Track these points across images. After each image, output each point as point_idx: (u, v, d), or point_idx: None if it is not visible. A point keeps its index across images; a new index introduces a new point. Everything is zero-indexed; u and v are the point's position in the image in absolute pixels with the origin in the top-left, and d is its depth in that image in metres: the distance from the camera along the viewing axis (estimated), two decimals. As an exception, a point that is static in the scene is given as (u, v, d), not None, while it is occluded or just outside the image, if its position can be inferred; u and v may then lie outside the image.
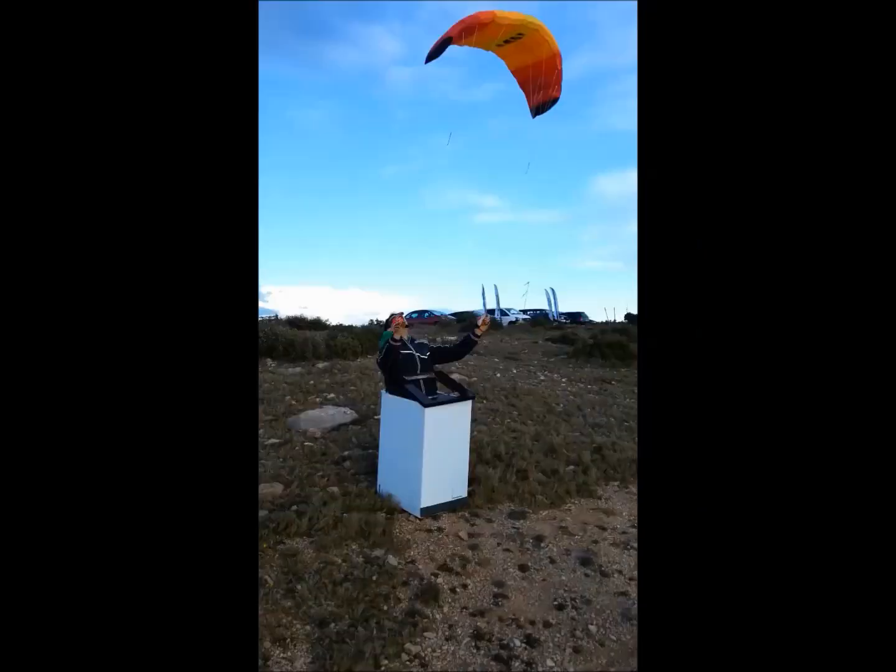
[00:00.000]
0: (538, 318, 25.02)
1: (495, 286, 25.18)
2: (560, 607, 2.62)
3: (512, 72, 3.84)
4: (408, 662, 2.18)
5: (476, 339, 4.00)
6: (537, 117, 3.83)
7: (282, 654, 2.18)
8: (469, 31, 3.40)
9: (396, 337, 3.65)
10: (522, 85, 3.80)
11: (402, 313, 3.94)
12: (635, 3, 1.35)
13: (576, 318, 27.28)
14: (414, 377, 3.75)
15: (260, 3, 1.49)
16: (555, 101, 3.77)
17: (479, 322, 3.93)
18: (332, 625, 2.35)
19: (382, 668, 2.13)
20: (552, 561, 3.08)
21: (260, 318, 12.10)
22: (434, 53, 3.52)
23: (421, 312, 25.56)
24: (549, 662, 2.23)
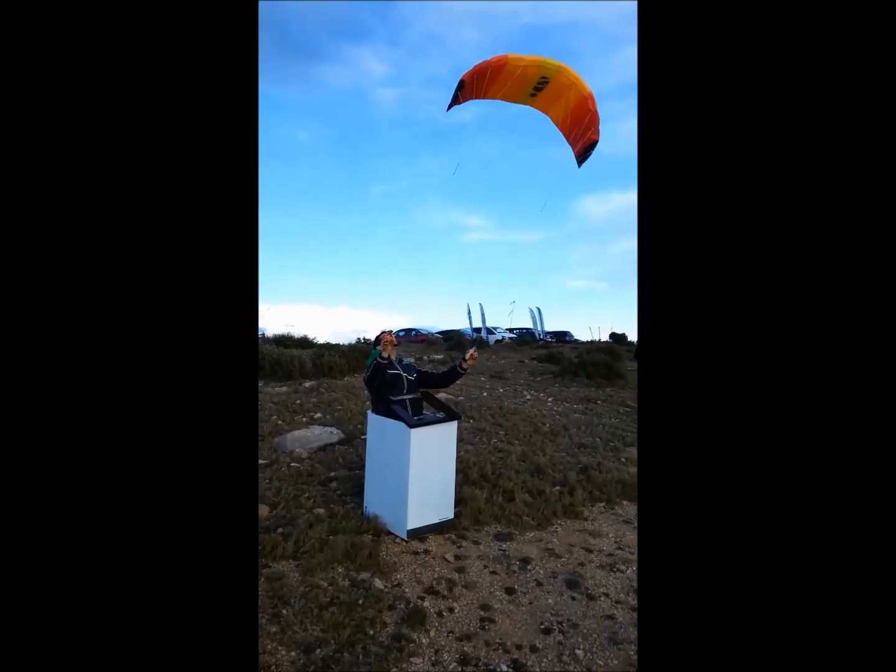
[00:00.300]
0: (524, 337, 25.17)
1: (481, 305, 25.29)
2: (547, 631, 2.62)
3: (557, 126, 3.72)
4: (394, 689, 2.16)
5: (462, 372, 4.02)
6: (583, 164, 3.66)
7: (266, 682, 2.14)
8: (481, 77, 3.30)
9: (385, 355, 3.68)
10: (566, 136, 3.69)
11: (391, 331, 3.97)
12: (616, 32, 1.38)
13: (561, 337, 27.49)
14: (400, 397, 3.76)
15: (261, 8, 1.52)
16: (594, 144, 3.60)
17: (467, 356, 3.97)
18: (318, 650, 2.32)
19: (368, 695, 2.11)
20: (539, 583, 3.08)
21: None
22: (452, 101, 3.47)
23: (408, 331, 25.57)
24: (536, 687, 2.23)
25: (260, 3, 1.53)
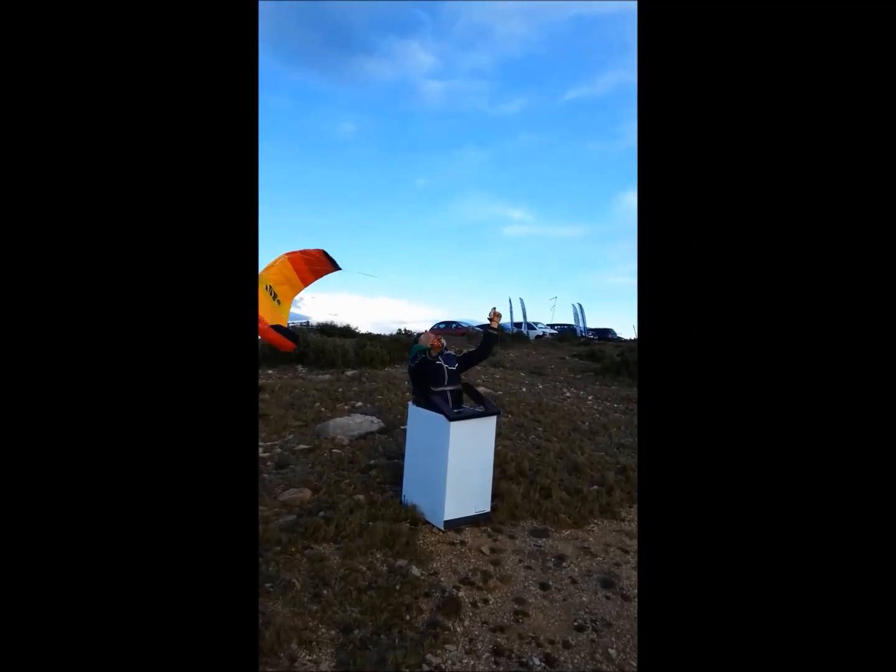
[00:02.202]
0: (565, 334, 24.88)
1: (521, 300, 25.14)
2: (580, 629, 2.63)
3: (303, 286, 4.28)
4: (428, 673, 2.23)
5: (495, 332, 4.13)
6: None
7: (308, 657, 2.25)
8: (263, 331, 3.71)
9: (434, 353, 3.88)
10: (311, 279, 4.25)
11: (438, 334, 4.11)
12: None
13: (604, 334, 26.97)
14: (441, 388, 3.84)
15: (278, 8, 1.51)
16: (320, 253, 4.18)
17: (491, 317, 4.08)
18: (357, 631, 2.41)
19: (403, 677, 2.18)
20: (573, 581, 3.09)
21: (292, 324, 12.33)
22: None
23: (448, 323, 25.67)
24: (568, 683, 2.25)
25: (262, 4, 1.53)
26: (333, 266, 4.13)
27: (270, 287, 3.86)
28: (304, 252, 4.02)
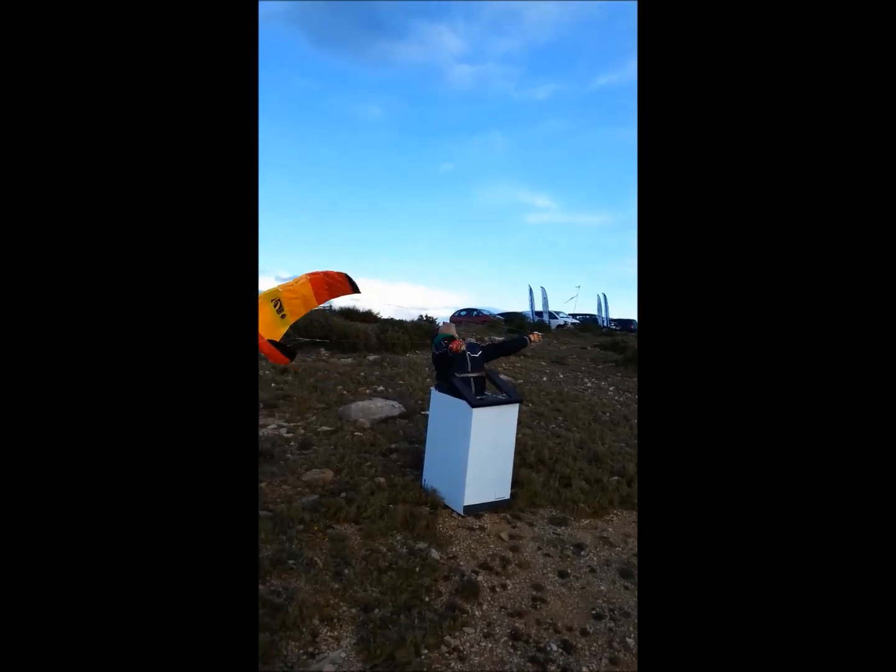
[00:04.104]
0: (587, 324, 24.64)
1: (543, 289, 24.91)
2: (598, 617, 2.64)
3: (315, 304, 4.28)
4: (447, 654, 2.26)
5: (529, 342, 4.40)
6: None
7: (329, 633, 2.30)
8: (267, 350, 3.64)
9: (456, 351, 3.94)
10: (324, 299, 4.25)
11: (461, 339, 4.15)
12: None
13: (627, 325, 26.63)
14: (465, 375, 3.85)
15: (286, 3, 1.48)
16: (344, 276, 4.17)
17: (535, 334, 4.43)
18: (377, 610, 2.46)
19: (422, 657, 2.22)
20: (592, 570, 3.09)
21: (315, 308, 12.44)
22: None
23: (470, 311, 25.61)
24: (585, 670, 2.27)
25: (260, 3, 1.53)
26: (353, 289, 4.17)
27: (279, 301, 3.92)
28: (326, 273, 4.07)
